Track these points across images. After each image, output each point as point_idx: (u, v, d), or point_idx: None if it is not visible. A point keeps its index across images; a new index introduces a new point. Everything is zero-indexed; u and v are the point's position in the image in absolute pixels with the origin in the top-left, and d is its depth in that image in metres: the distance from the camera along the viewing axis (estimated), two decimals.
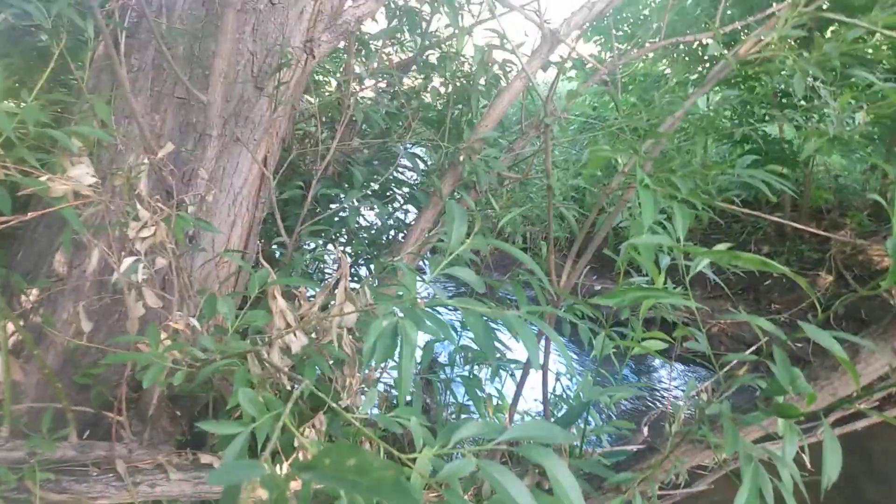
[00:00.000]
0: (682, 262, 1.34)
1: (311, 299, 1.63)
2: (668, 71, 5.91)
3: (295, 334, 1.54)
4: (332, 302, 1.64)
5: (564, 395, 2.67)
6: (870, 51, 4.59)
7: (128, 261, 1.69)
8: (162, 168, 1.86)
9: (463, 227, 0.96)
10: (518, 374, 2.30)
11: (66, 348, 2.29)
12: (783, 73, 1.57)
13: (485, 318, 0.97)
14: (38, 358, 1.47)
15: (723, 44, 1.60)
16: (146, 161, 1.71)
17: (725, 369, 2.09)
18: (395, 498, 0.41)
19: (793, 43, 1.45)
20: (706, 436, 1.46)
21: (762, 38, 1.44)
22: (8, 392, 1.39)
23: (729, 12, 5.00)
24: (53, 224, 2.36)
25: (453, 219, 0.97)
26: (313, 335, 1.61)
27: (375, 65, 2.90)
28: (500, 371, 2.51)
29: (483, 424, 0.74)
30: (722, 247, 1.31)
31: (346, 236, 3.01)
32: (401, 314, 1.00)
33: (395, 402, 3.02)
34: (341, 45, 2.90)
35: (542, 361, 2.19)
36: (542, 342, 2.12)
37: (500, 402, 2.48)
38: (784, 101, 4.64)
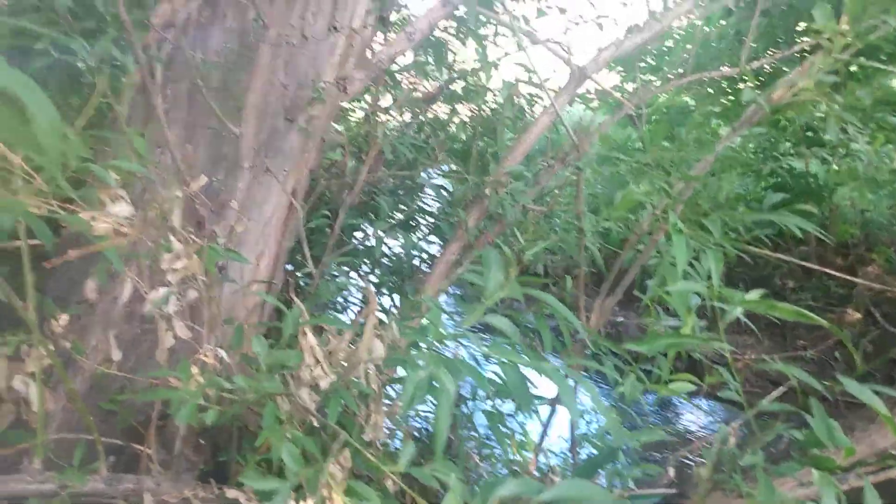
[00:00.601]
0: (716, 304, 1.32)
1: (340, 334, 1.63)
2: (691, 103, 5.91)
3: (324, 370, 1.54)
4: (360, 336, 1.65)
5: (588, 433, 2.63)
6: None
7: (159, 292, 1.71)
8: (194, 199, 1.88)
9: (499, 275, 0.96)
10: (540, 409, 2.28)
11: (93, 374, 2.31)
12: (815, 115, 1.57)
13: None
14: (68, 387, 1.48)
15: (750, 78, 1.61)
16: (179, 193, 1.73)
17: (754, 410, 2.05)
18: None
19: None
20: (739, 485, 1.43)
21: (795, 83, 1.44)
22: (41, 423, 1.40)
23: (753, 44, 5.00)
24: (87, 252, 2.40)
25: (489, 266, 0.98)
26: (340, 370, 1.61)
27: (402, 97, 2.93)
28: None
29: (522, 483, 0.73)
30: (755, 294, 1.30)
31: (370, 265, 3.03)
32: (424, 353, 1.00)
33: (417, 435, 3.00)
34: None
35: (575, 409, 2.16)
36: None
37: (523, 439, 2.45)
38: (810, 135, 4.63)
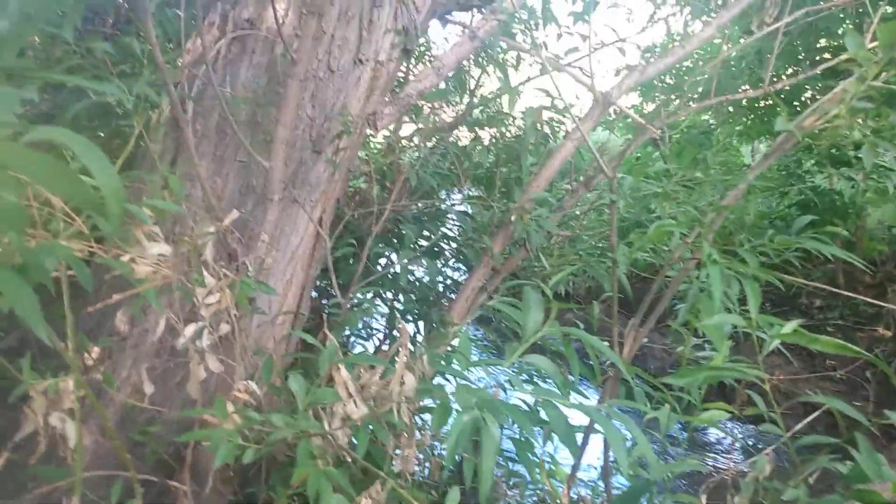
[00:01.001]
0: (755, 335, 1.31)
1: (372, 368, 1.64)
2: (712, 122, 5.89)
3: (356, 404, 1.55)
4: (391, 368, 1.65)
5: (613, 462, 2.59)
6: None
7: (193, 327, 1.74)
8: (226, 233, 1.91)
9: (539, 315, 0.96)
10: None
11: (123, 406, 2.33)
12: (848, 140, 1.56)
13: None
14: (106, 424, 1.50)
15: (775, 101, 1.61)
16: (212, 228, 1.76)
17: (787, 435, 2.02)
18: None
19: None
20: None
21: (828, 111, 1.44)
22: (80, 461, 1.42)
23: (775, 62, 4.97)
24: (117, 283, 2.43)
25: (529, 305, 0.98)
26: (372, 404, 1.62)
27: (425, 124, 2.96)
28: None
29: None
30: (793, 324, 1.28)
31: (395, 293, 3.04)
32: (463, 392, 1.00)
33: (444, 464, 2.98)
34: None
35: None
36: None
37: (552, 467, 2.42)
38: (835, 153, 4.59)
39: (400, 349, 1.61)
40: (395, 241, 3.40)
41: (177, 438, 1.39)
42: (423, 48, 3.58)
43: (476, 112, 3.11)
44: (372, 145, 3.69)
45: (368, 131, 2.35)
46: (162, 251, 1.32)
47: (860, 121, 1.37)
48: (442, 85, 3.08)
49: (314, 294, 3.19)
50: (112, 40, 1.85)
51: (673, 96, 6.77)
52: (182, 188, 1.61)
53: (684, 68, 6.44)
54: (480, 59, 2.99)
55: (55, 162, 0.57)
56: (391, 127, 2.94)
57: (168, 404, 2.51)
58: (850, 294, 1.64)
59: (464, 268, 3.39)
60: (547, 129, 2.94)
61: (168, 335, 2.27)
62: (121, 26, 2.99)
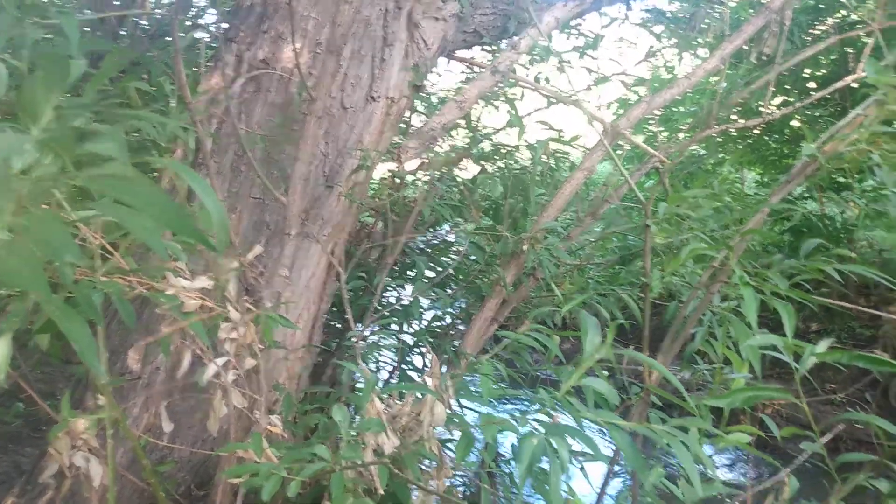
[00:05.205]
0: (789, 356, 1.33)
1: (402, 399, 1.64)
2: (703, 152, 6.00)
3: (387, 435, 1.54)
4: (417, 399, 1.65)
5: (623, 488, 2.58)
6: None
7: (218, 361, 1.73)
8: (247, 268, 1.92)
9: (597, 337, 0.98)
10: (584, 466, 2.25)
11: (135, 446, 2.30)
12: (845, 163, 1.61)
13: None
14: (139, 456, 1.49)
15: (807, 132, 1.66)
16: (236, 264, 1.77)
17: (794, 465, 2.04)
18: None
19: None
20: None
21: (848, 136, 1.49)
22: (112, 501, 1.40)
23: (761, 93, 5.10)
24: (150, 319, 2.42)
25: (587, 329, 0.99)
26: (403, 435, 1.61)
27: (433, 158, 3.00)
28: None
29: None
30: (825, 343, 1.31)
31: (406, 324, 3.04)
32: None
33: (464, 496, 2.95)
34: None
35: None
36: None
37: (570, 498, 2.41)
38: (833, 178, 4.69)
39: (429, 378, 1.61)
40: (401, 274, 3.41)
41: (226, 474, 1.37)
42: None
43: (482, 145, 3.16)
44: (377, 179, 3.73)
45: (393, 165, 2.39)
46: (204, 285, 1.33)
47: (880, 144, 1.42)
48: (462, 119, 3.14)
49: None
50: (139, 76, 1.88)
51: (663, 129, 6.90)
52: (212, 224, 1.61)
53: (673, 101, 6.58)
54: (486, 94, 3.06)
55: (161, 192, 0.59)
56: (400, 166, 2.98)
57: (179, 442, 2.48)
58: (851, 307, 1.67)
59: (466, 299, 3.40)
60: (552, 161, 2.99)
61: (182, 374, 2.26)
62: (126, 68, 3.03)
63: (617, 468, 4.13)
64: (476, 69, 2.64)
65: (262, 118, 2.40)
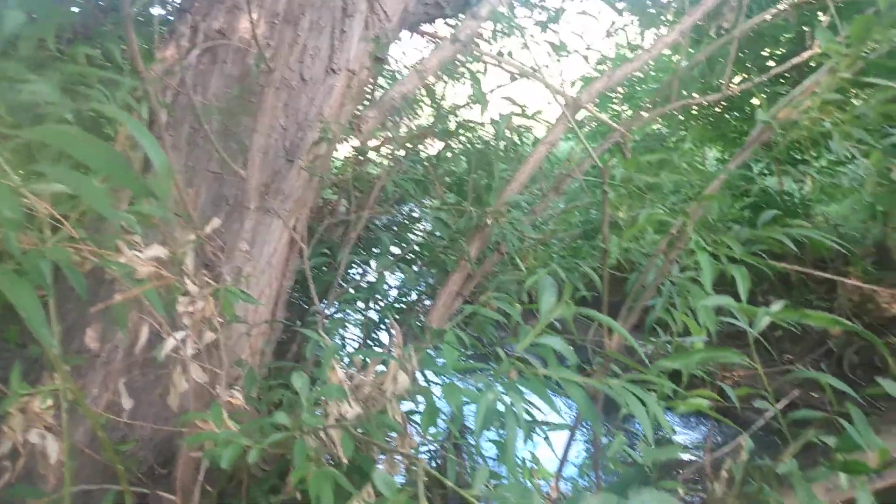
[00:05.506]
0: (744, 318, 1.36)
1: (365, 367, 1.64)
2: (664, 130, 6.08)
3: (350, 404, 1.54)
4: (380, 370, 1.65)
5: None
6: None
7: (177, 335, 1.70)
8: (205, 242, 1.88)
9: (553, 297, 0.99)
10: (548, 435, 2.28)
11: (94, 425, 2.26)
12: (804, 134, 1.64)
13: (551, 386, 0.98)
14: (96, 428, 1.46)
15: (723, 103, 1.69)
16: (193, 237, 1.74)
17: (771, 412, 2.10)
18: None
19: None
20: (769, 495, 1.45)
21: (801, 102, 1.51)
22: (68, 475, 1.38)
23: (722, 71, 5.17)
24: (82, 300, 2.37)
25: (544, 289, 1.00)
26: (366, 404, 1.61)
27: (396, 135, 2.98)
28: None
29: (603, 497, 0.75)
30: (778, 305, 1.34)
31: (371, 301, 3.03)
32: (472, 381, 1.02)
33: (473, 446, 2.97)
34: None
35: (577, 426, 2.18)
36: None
37: (535, 466, 2.44)
38: (791, 153, 4.79)
39: (393, 348, 1.62)
40: (366, 250, 3.40)
41: (187, 441, 1.36)
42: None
43: (446, 120, 3.14)
44: (339, 155, 3.69)
45: (352, 136, 2.36)
46: (158, 254, 1.30)
47: (832, 112, 1.45)
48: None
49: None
50: (94, 46, 1.82)
51: (626, 105, 6.97)
52: (167, 194, 1.58)
53: (636, 79, 6.64)
54: (448, 68, 3.04)
55: (103, 142, 0.57)
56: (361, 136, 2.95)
57: (141, 420, 2.45)
58: (849, 281, 1.71)
59: (431, 274, 3.41)
60: (515, 137, 3.00)
61: (140, 351, 2.22)
62: (79, 38, 2.93)
63: (583, 439, 4.22)
64: (440, 43, 2.62)
65: (219, 90, 2.35)
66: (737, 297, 1.47)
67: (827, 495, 1.49)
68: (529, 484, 2.39)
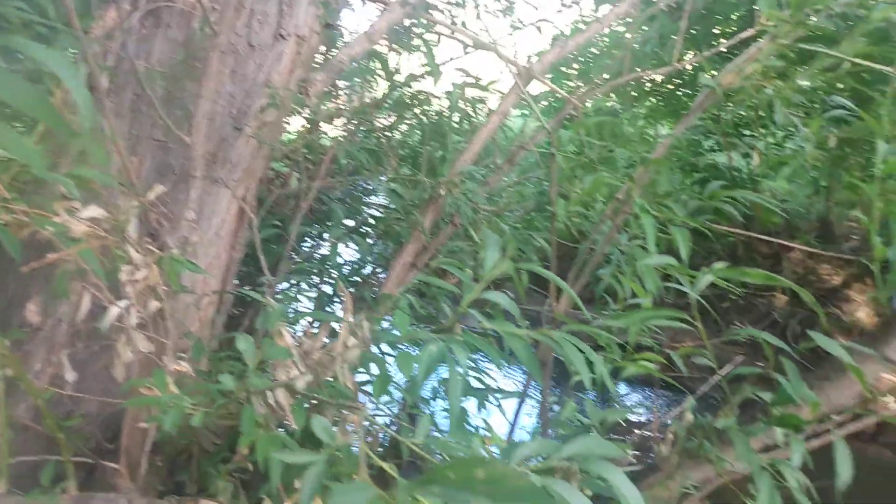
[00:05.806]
0: (684, 278, 1.39)
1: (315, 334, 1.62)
2: (618, 106, 6.15)
3: (300, 371, 1.53)
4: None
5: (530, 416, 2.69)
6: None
7: (119, 305, 1.66)
8: (149, 210, 1.83)
9: (496, 253, 0.99)
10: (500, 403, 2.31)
11: (35, 398, 2.21)
12: (758, 101, 1.67)
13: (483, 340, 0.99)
14: (36, 399, 1.42)
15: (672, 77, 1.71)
16: (136, 203, 1.69)
17: (722, 374, 2.15)
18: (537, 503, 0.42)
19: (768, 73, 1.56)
20: (709, 450, 1.50)
21: (744, 69, 1.54)
22: (5, 446, 1.34)
23: (674, 47, 5.24)
24: (24, 273, 2.29)
25: (487, 245, 1.00)
26: (316, 370, 1.60)
27: (348, 105, 2.94)
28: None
29: (541, 443, 0.76)
30: (721, 265, 1.38)
31: (324, 273, 3.00)
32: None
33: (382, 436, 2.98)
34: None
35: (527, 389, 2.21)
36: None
37: (488, 434, 2.48)
38: (739, 129, 4.90)
39: (343, 314, 1.60)
40: (319, 223, 3.36)
41: (127, 403, 1.33)
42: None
43: (399, 92, 3.11)
44: (291, 128, 3.63)
45: (303, 107, 2.31)
46: (95, 214, 1.26)
47: (774, 78, 1.49)
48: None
49: (235, 280, 3.11)
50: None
51: (581, 82, 7.01)
52: (107, 159, 1.53)
53: (591, 55, 6.69)
54: (402, 39, 3.00)
55: (13, 74, 0.54)
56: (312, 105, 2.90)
57: (87, 395, 2.39)
58: (755, 236, 1.76)
59: (388, 246, 3.40)
60: (469, 108, 2.99)
61: (84, 323, 2.16)
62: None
63: (535, 406, 4.29)
64: (389, 5, 2.58)
65: (163, 55, 2.27)
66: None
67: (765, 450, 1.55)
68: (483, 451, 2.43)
